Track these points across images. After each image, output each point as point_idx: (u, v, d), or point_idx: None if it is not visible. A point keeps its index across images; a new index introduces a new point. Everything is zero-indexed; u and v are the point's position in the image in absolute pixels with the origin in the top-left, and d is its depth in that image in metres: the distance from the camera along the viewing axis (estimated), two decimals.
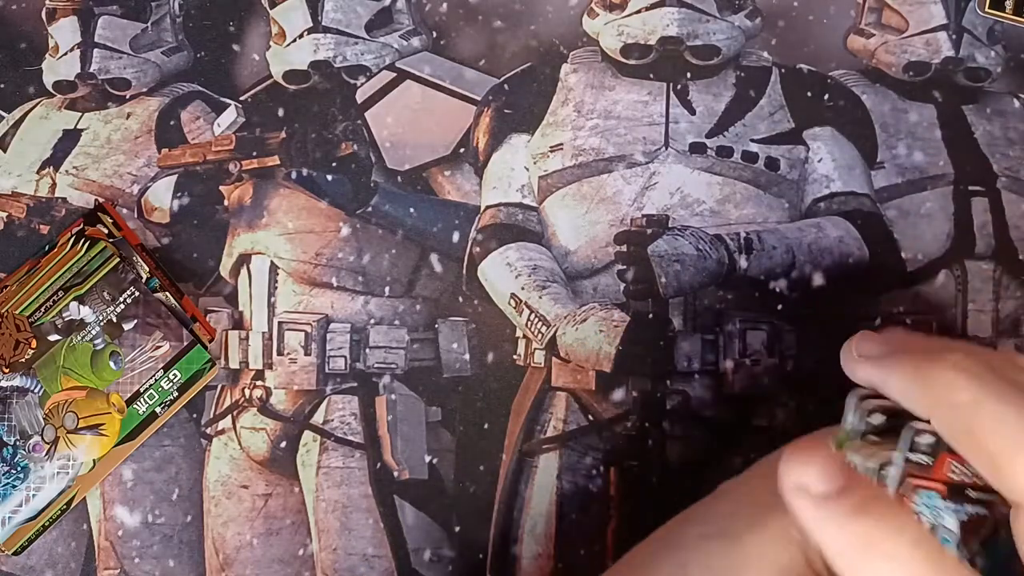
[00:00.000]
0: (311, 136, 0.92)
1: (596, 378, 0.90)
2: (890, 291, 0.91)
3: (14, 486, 0.67)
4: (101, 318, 0.69)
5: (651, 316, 0.85)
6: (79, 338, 0.69)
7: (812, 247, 0.89)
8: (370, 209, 0.94)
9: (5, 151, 1.01)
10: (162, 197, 0.95)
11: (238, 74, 0.99)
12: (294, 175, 0.92)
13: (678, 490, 0.90)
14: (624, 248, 0.86)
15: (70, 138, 0.99)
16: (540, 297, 0.89)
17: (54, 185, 0.98)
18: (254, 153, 0.92)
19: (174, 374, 0.72)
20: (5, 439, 0.67)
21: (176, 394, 0.72)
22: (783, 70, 0.93)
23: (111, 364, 0.69)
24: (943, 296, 0.93)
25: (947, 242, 0.94)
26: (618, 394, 0.90)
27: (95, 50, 0.98)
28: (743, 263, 0.87)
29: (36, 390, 0.68)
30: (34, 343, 0.68)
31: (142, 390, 0.71)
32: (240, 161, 0.93)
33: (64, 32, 0.98)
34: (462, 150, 0.97)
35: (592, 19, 0.93)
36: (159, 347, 0.72)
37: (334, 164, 0.92)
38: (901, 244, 0.90)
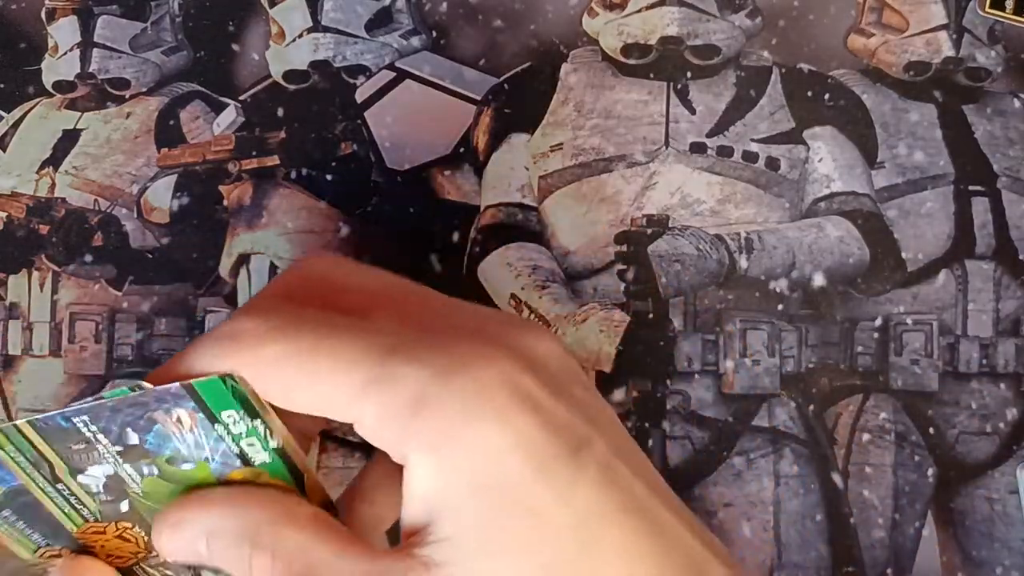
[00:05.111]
0: (311, 136, 0.92)
1: (596, 378, 0.90)
2: (890, 291, 0.91)
3: None
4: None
5: (651, 316, 0.85)
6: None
7: (812, 247, 0.88)
8: (370, 209, 0.93)
9: (5, 151, 1.01)
10: (162, 197, 0.95)
11: (238, 74, 0.99)
12: (294, 175, 0.92)
13: (678, 490, 0.89)
14: (624, 248, 0.85)
15: (70, 138, 0.99)
16: (540, 297, 0.89)
17: (53, 185, 0.98)
18: (254, 153, 0.92)
19: None
20: None
21: None
22: (783, 70, 0.93)
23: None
24: (943, 296, 0.93)
25: (947, 242, 0.94)
26: (618, 394, 0.90)
27: (95, 50, 0.98)
28: (743, 263, 0.87)
29: None
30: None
31: None
32: (240, 161, 0.93)
33: (64, 32, 0.98)
34: (462, 150, 0.97)
35: (592, 19, 0.93)
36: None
37: (334, 164, 0.92)
38: (901, 244, 0.90)
